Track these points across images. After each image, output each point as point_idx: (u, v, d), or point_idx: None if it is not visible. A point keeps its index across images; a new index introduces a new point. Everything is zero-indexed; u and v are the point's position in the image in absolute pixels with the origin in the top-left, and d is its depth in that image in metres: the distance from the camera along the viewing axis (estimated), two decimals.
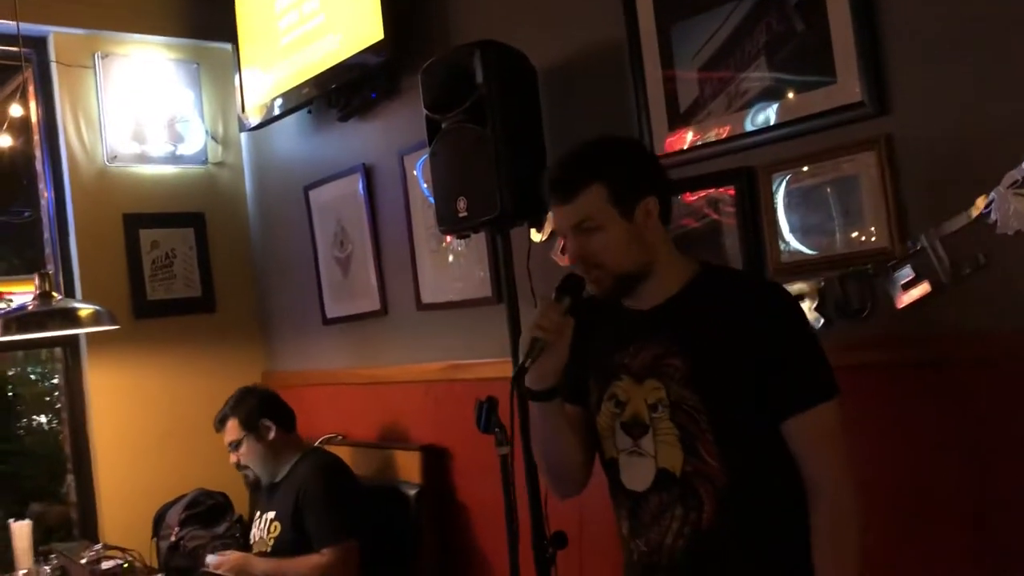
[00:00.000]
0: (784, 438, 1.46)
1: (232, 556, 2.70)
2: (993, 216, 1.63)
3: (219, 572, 2.64)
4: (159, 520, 3.34)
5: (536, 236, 2.49)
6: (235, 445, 2.79)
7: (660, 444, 1.49)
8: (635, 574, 1.59)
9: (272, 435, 2.77)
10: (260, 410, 2.79)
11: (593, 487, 1.85)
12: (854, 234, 1.84)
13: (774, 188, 1.97)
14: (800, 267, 1.93)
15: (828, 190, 1.88)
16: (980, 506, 1.69)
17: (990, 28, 1.63)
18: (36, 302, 2.75)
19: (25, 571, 2.88)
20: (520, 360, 1.49)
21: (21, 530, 2.96)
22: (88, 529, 3.46)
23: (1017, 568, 1.64)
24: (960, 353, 1.71)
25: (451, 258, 2.90)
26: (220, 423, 2.84)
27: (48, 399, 4.12)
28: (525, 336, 1.49)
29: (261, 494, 2.87)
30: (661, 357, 1.49)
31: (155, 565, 3.20)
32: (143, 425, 3.55)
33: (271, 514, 2.73)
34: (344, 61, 3.04)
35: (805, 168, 1.91)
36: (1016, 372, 1.63)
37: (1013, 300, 1.61)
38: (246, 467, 2.82)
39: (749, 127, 2.01)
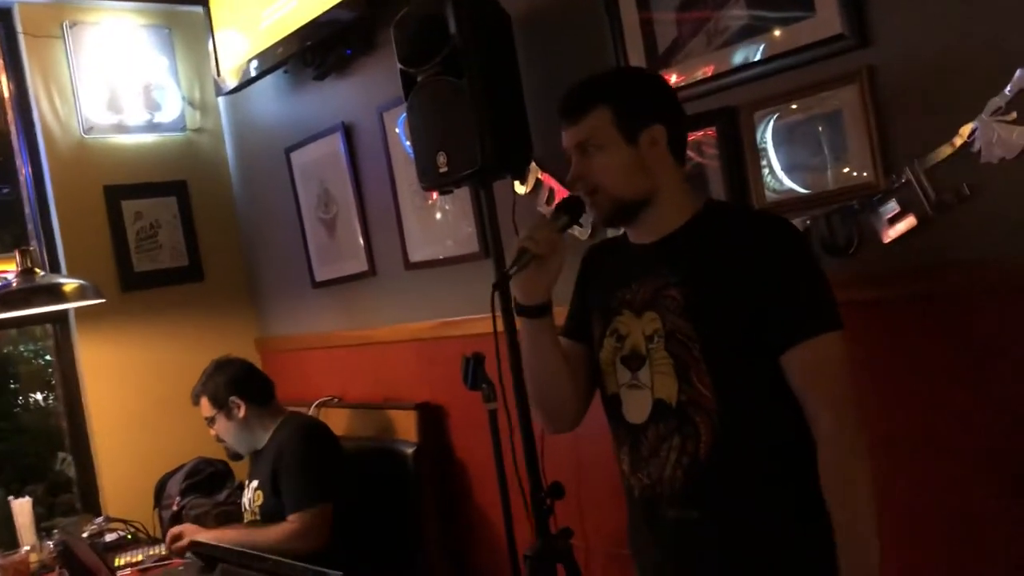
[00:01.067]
0: (786, 374, 1.44)
1: (213, 531, 2.72)
2: (977, 145, 1.60)
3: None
4: (160, 490, 3.36)
5: (520, 188, 2.46)
6: (210, 421, 2.81)
7: (656, 375, 1.50)
8: (638, 510, 1.59)
9: (242, 412, 2.75)
10: (229, 388, 2.76)
11: (588, 438, 1.85)
12: (838, 170, 1.82)
13: (756, 127, 1.94)
14: (785, 206, 1.90)
15: (810, 126, 1.84)
16: (978, 437, 1.68)
17: None
18: (19, 279, 2.72)
19: (28, 547, 2.90)
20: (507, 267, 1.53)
21: (22, 507, 2.97)
22: (89, 503, 3.48)
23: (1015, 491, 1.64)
24: (948, 285, 1.69)
25: (438, 215, 2.86)
26: (195, 400, 2.83)
27: (43, 377, 4.11)
28: (515, 246, 1.53)
29: (250, 463, 2.88)
30: (660, 290, 1.50)
31: (158, 535, 3.22)
32: (138, 397, 3.54)
33: (255, 483, 2.74)
34: (317, 18, 2.97)
35: (787, 105, 1.88)
36: (1005, 301, 1.62)
37: (999, 229, 1.60)
38: (223, 440, 2.84)
39: (728, 66, 1.97)
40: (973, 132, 1.60)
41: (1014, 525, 1.64)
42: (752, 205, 1.96)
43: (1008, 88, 1.56)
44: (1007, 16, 1.55)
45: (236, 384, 2.77)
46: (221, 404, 2.75)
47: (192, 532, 2.73)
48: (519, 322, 1.62)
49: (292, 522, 2.54)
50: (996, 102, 1.57)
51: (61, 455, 3.68)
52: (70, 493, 3.63)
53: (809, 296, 1.45)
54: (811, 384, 1.42)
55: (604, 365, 1.61)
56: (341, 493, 2.62)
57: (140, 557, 2.97)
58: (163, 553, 2.91)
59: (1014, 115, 1.56)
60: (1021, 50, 1.54)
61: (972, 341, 1.68)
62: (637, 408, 1.54)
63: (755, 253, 1.45)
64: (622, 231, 1.65)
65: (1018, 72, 1.54)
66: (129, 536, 3.21)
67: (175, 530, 2.80)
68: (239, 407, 2.74)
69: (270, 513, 2.63)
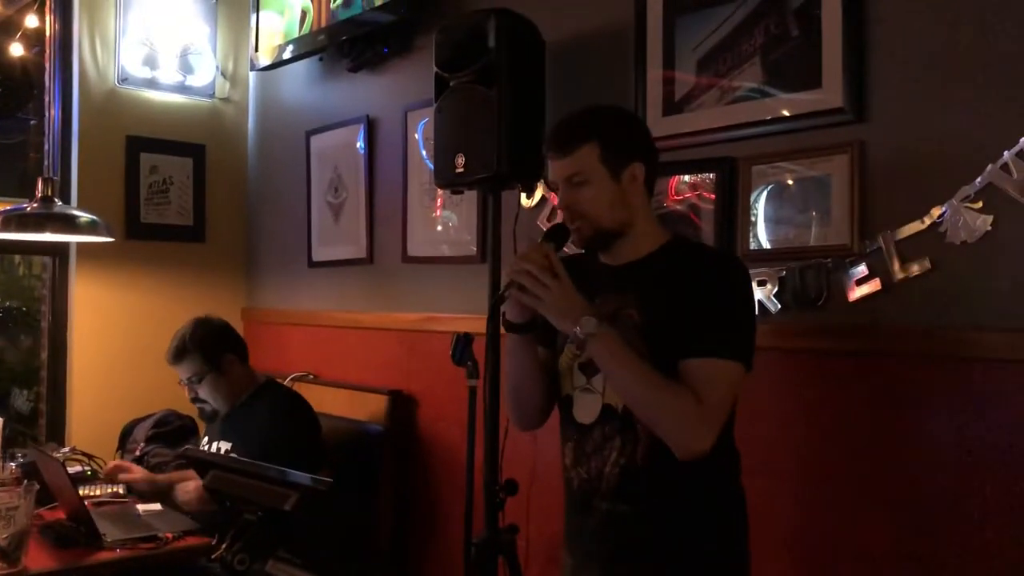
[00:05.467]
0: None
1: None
2: (944, 225, 1.78)
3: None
4: (126, 434, 3.45)
5: (525, 202, 2.61)
6: (196, 379, 2.73)
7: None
8: (575, 501, 1.75)
9: (235, 369, 2.75)
10: (223, 344, 2.74)
11: (546, 443, 1.98)
12: (819, 229, 1.99)
13: (752, 179, 2.11)
14: (766, 255, 2.07)
15: (800, 186, 2.02)
16: (907, 494, 1.84)
17: (961, 58, 1.78)
18: (36, 205, 2.83)
19: None
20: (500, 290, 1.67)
21: None
22: (55, 435, 3.57)
23: (939, 553, 1.80)
24: (900, 347, 1.86)
25: (439, 227, 3.02)
26: (178, 357, 2.75)
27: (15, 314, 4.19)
28: (507, 273, 1.65)
29: (214, 423, 2.85)
30: (621, 308, 1.65)
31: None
32: (122, 342, 3.65)
33: (226, 445, 2.70)
34: (361, 15, 3.15)
35: (782, 164, 2.06)
36: (950, 367, 1.79)
37: (953, 302, 1.77)
38: (204, 401, 2.78)
39: (736, 121, 2.14)
40: (943, 213, 1.78)
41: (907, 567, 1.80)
42: (736, 251, 2.12)
43: (979, 179, 1.74)
44: (986, 117, 1.74)
45: (228, 341, 2.78)
46: (215, 361, 2.72)
47: (141, 475, 2.78)
48: (507, 340, 1.76)
49: None
50: (966, 190, 1.75)
51: (16, 391, 3.76)
52: (22, 427, 3.71)
53: (727, 324, 1.59)
54: (694, 387, 1.55)
55: (562, 369, 1.76)
56: (333, 460, 2.71)
57: (98, 492, 3.05)
58: (121, 492, 2.99)
59: (980, 204, 1.74)
60: (994, 148, 1.72)
61: (911, 401, 1.85)
62: (587, 409, 1.70)
63: (701, 281, 1.61)
64: None
65: (989, 167, 1.72)
66: (89, 472, 3.29)
67: (121, 463, 2.85)
68: (233, 364, 2.74)
69: None
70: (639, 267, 1.69)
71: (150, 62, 3.73)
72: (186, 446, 2.69)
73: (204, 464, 1.64)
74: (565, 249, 1.73)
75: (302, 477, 1.40)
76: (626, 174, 1.66)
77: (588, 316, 1.57)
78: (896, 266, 1.84)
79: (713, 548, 1.65)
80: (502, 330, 1.77)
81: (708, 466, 1.59)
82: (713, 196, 2.18)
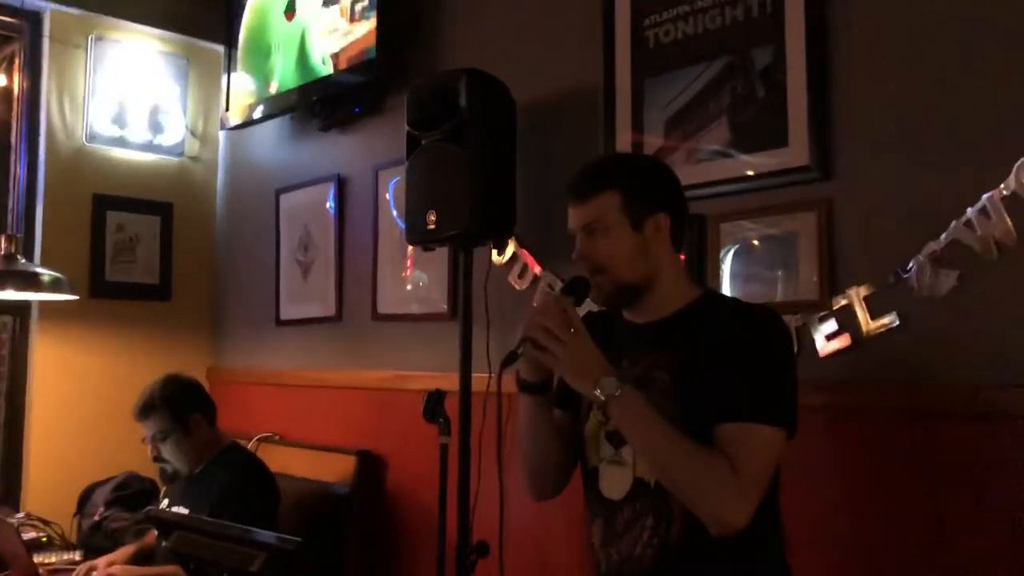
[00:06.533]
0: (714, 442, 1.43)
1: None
2: (912, 282, 1.80)
3: None
4: (85, 498, 3.35)
5: (496, 258, 2.62)
6: (161, 437, 2.63)
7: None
8: None
9: (201, 430, 2.66)
10: (191, 404, 2.66)
11: (516, 499, 1.95)
12: (788, 285, 2.01)
13: (721, 237, 2.13)
14: None
15: (769, 243, 2.05)
16: (878, 549, 1.84)
17: (924, 117, 1.83)
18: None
19: None
20: (513, 348, 1.53)
21: None
22: (10, 499, 3.45)
23: None
24: (870, 402, 1.87)
25: (409, 286, 3.01)
26: (144, 414, 2.64)
27: None
28: (520, 332, 1.51)
29: (175, 485, 2.75)
30: (649, 371, 1.53)
31: (75, 541, 3.20)
32: (83, 402, 3.56)
33: (184, 511, 2.59)
34: (333, 76, 3.18)
35: (750, 221, 2.08)
36: (920, 422, 1.80)
37: (921, 357, 1.79)
38: (167, 460, 2.67)
39: (704, 179, 2.17)
40: (909, 269, 1.81)
41: None
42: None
43: (944, 236, 1.77)
44: (950, 175, 1.79)
45: (198, 400, 2.70)
46: (181, 420, 2.62)
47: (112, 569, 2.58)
48: (520, 401, 1.63)
49: None
50: (932, 246, 1.78)
51: None
52: None
53: (767, 386, 1.46)
54: (729, 454, 1.41)
55: (588, 438, 1.63)
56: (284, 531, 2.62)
57: (54, 559, 2.95)
58: (77, 559, 2.90)
59: (946, 261, 1.77)
60: (958, 204, 1.76)
61: (881, 454, 1.85)
62: (616, 484, 1.56)
63: (735, 340, 1.47)
64: None
65: (953, 223, 1.76)
66: (44, 539, 3.18)
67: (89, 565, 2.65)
68: (200, 424, 2.65)
69: None
70: (668, 325, 1.56)
71: (119, 121, 3.72)
72: (148, 507, 2.57)
73: (168, 525, 1.58)
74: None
75: (268, 536, 1.36)
76: (649, 224, 1.55)
77: (608, 376, 1.44)
78: (865, 322, 1.86)
79: None
80: (510, 388, 1.61)
81: (749, 542, 1.43)
82: (683, 255, 2.20)
